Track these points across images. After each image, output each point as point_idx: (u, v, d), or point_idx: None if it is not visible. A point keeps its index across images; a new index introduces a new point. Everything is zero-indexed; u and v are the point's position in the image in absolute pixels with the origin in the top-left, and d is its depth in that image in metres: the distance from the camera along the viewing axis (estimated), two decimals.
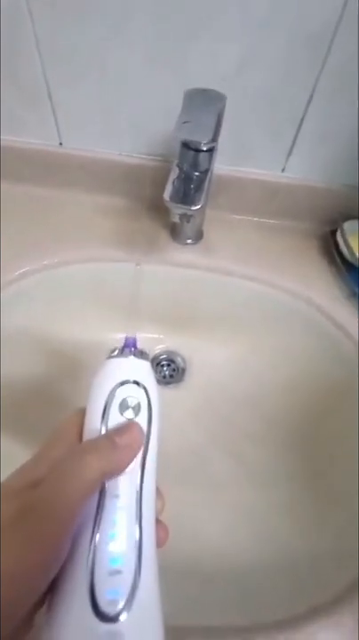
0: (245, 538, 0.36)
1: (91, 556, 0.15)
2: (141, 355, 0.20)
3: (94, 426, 0.18)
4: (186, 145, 0.32)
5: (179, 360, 0.50)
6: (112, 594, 0.15)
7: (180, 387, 0.48)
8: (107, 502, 0.16)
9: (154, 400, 0.19)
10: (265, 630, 0.26)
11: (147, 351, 0.21)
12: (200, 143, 0.29)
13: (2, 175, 0.47)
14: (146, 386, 0.19)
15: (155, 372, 0.49)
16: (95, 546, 0.16)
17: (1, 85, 0.39)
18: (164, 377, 0.49)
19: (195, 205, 0.28)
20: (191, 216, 0.32)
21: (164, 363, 0.50)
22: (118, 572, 0.15)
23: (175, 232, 0.44)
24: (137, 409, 0.18)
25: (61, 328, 0.46)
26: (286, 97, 0.37)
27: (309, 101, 0.37)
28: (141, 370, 0.19)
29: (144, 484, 0.17)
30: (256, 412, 0.46)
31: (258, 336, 0.48)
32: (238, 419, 0.46)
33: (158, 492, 0.19)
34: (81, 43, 0.35)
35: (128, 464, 0.17)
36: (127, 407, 0.18)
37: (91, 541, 0.16)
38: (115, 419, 0.18)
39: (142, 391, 0.19)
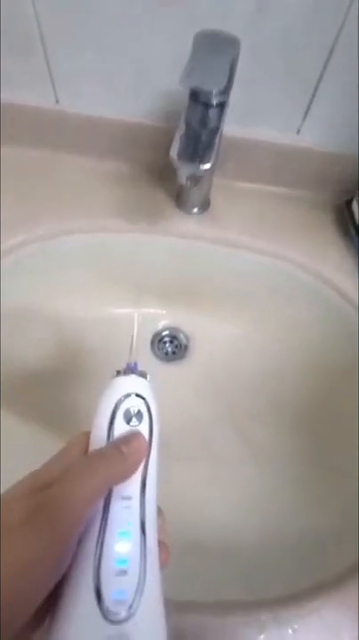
0: (249, 514, 0.36)
1: (97, 556, 0.16)
2: (141, 374, 0.22)
3: (101, 434, 0.19)
4: (194, 98, 0.29)
5: (181, 336, 0.48)
6: (118, 594, 0.15)
7: (183, 363, 0.47)
8: (113, 505, 0.17)
9: (154, 410, 0.21)
10: (267, 605, 0.26)
11: (146, 371, 0.23)
12: (211, 93, 0.26)
13: None
14: (146, 397, 0.21)
15: (158, 348, 0.47)
16: (102, 547, 0.16)
17: None
18: (167, 354, 0.48)
19: (205, 164, 0.25)
20: (200, 177, 0.29)
21: (167, 339, 0.48)
22: (124, 572, 0.16)
23: (180, 200, 0.41)
24: (139, 417, 0.20)
25: (61, 303, 0.45)
26: (306, 46, 0.33)
27: (331, 52, 0.33)
28: (142, 385, 0.22)
29: (147, 488, 0.18)
30: (261, 389, 0.45)
31: (264, 311, 0.46)
32: (242, 396, 0.45)
33: (159, 510, 0.19)
34: None
35: (134, 471, 0.18)
36: (130, 416, 0.20)
37: (97, 542, 0.16)
38: (121, 427, 0.20)
39: (143, 402, 0.21)
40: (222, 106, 0.29)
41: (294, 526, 0.34)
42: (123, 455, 0.18)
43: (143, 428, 0.20)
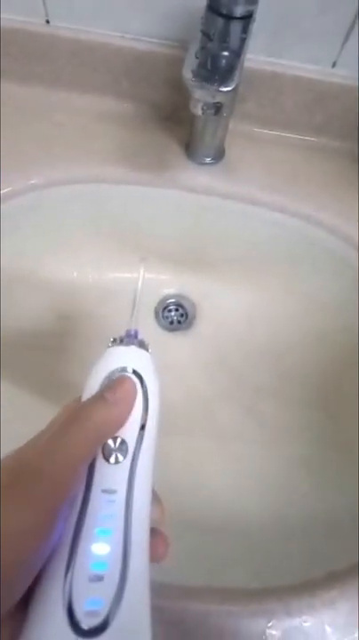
0: (255, 495, 0.34)
1: (69, 558, 0.14)
2: (141, 345, 0.20)
3: None
4: (214, 8, 0.23)
5: (188, 304, 0.45)
6: (91, 604, 0.13)
7: (189, 333, 0.44)
8: (93, 497, 0.15)
9: (151, 391, 0.18)
10: (277, 594, 0.24)
11: (147, 342, 0.20)
12: (234, 1, 0.20)
13: None
14: (143, 376, 0.18)
15: (162, 317, 0.45)
16: (76, 547, 0.14)
17: None
18: (172, 322, 0.45)
19: (227, 86, 0.20)
20: (219, 107, 0.24)
21: (172, 307, 0.45)
22: (99, 578, 0.14)
23: (191, 147, 0.36)
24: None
25: (56, 265, 0.41)
26: None
27: None
28: (141, 359, 0.19)
29: (136, 479, 0.16)
30: (271, 363, 0.42)
31: (281, 279, 0.42)
32: (250, 370, 0.42)
33: (157, 499, 0.18)
34: None
35: (122, 418, 0.17)
36: None
37: (71, 543, 0.14)
38: None
39: (138, 380, 0.18)
40: (247, 19, 0.24)
41: (305, 509, 0.32)
42: (107, 402, 0.16)
43: (136, 411, 0.17)
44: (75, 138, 0.37)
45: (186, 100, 0.27)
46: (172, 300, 0.45)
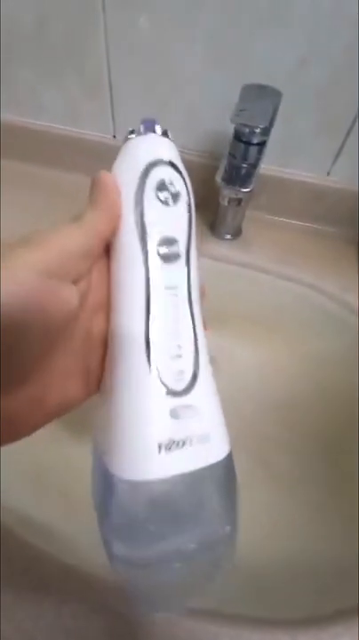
0: (264, 537, 0.35)
1: (147, 339, 0.15)
2: (167, 134, 0.18)
3: (127, 212, 0.16)
4: (238, 137, 0.33)
5: None
6: (178, 373, 0.15)
7: None
8: (156, 294, 0.16)
9: (189, 182, 0.17)
10: (284, 626, 0.25)
11: (167, 129, 0.18)
12: (255, 131, 0.29)
13: (56, 163, 0.49)
14: (179, 167, 0.17)
15: None
16: (152, 331, 0.15)
17: (66, 76, 0.42)
18: None
19: (246, 188, 0.29)
20: (240, 200, 0.32)
21: None
22: (179, 356, 0.16)
23: (215, 227, 0.45)
24: (176, 196, 0.16)
25: None
26: (340, 98, 0.38)
27: None
28: (172, 150, 0.17)
29: (191, 273, 0.17)
30: (281, 415, 0.45)
31: (289, 338, 0.47)
32: (261, 420, 0.45)
33: (202, 291, 0.19)
34: (147, 34, 0.37)
35: (116, 205, 0.16)
36: (166, 191, 0.16)
37: (146, 332, 0.15)
38: (153, 206, 0.16)
39: (177, 174, 0.17)
40: (262, 144, 0.33)
41: (311, 552, 0.33)
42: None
43: (181, 210, 0.16)
44: None
45: (212, 193, 0.36)
46: None
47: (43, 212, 0.46)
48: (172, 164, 0.16)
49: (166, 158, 0.16)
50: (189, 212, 0.17)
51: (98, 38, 0.39)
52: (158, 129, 0.18)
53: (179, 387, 0.15)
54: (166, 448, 0.14)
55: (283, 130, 0.39)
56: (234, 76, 0.38)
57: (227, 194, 0.30)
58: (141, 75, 0.41)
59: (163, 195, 0.16)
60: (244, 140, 0.32)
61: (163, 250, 0.16)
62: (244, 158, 0.32)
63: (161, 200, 0.16)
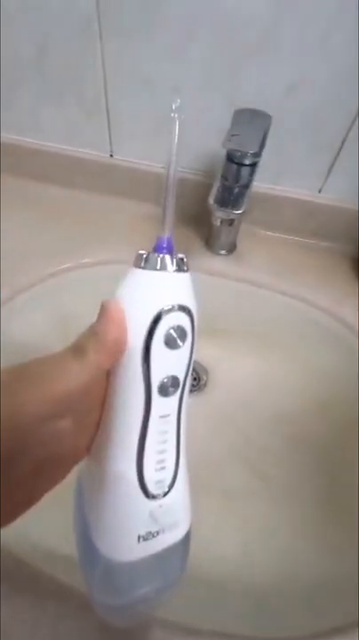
0: (260, 552, 0.35)
1: (140, 457, 0.18)
2: (182, 263, 0.16)
3: (134, 364, 0.16)
4: (231, 159, 0.34)
5: (200, 370, 0.50)
6: (159, 482, 0.18)
7: (201, 396, 0.48)
8: (153, 422, 0.18)
9: (196, 325, 0.16)
10: None
11: (183, 256, 0.17)
12: (246, 154, 0.31)
13: (54, 180, 0.50)
14: (191, 309, 0.16)
15: None
16: (143, 448, 0.17)
17: (65, 98, 0.44)
18: None
19: (238, 209, 0.30)
20: (232, 221, 0.34)
21: None
22: (163, 468, 0.18)
23: (210, 242, 0.46)
24: (183, 337, 0.16)
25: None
26: (328, 121, 0.39)
27: (351, 126, 0.39)
28: (184, 289, 0.16)
29: (183, 399, 0.19)
30: (278, 428, 0.45)
31: (286, 351, 0.47)
32: (258, 433, 0.45)
33: None
34: (143, 59, 0.39)
35: (122, 342, 0.16)
36: (174, 340, 0.16)
37: (140, 449, 0.17)
38: (160, 351, 0.16)
39: (187, 317, 0.16)
40: (253, 166, 0.35)
41: (308, 569, 0.33)
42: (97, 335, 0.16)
43: (185, 351, 0.16)
44: (122, 231, 0.47)
45: (207, 210, 0.37)
46: None
47: (42, 229, 0.47)
48: (183, 308, 0.16)
49: (178, 302, 0.16)
50: (192, 347, 0.17)
51: (95, 63, 0.40)
52: (169, 262, 0.16)
53: (159, 492, 0.18)
54: (144, 539, 0.18)
55: (275, 150, 0.40)
56: (226, 100, 0.39)
57: (219, 215, 0.31)
58: (137, 97, 0.42)
59: (171, 340, 0.16)
60: (236, 161, 0.34)
61: (164, 386, 0.17)
62: (236, 180, 0.33)
63: (168, 346, 0.16)
